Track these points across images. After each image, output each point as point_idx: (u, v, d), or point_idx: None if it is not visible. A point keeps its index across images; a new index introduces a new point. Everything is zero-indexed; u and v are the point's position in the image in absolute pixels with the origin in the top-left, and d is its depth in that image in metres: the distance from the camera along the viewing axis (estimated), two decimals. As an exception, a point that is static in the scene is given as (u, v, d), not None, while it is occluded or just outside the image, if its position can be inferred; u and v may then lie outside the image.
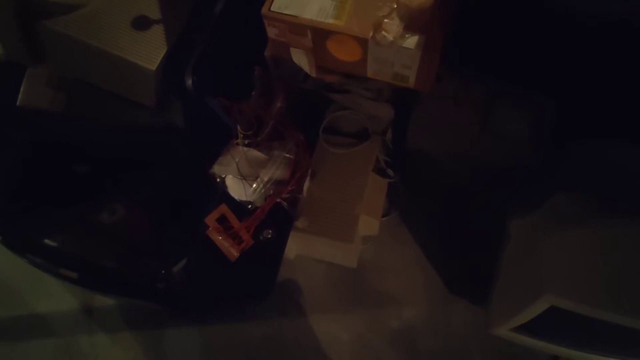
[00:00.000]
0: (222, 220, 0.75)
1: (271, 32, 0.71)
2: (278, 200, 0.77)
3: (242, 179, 0.76)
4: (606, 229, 0.64)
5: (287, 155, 0.78)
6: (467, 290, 0.93)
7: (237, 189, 0.77)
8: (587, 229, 0.65)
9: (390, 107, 0.82)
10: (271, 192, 0.77)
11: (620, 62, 0.70)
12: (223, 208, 0.75)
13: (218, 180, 0.79)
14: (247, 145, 0.78)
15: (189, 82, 0.78)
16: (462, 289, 0.94)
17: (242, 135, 0.78)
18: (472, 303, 0.90)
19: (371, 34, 0.64)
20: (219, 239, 0.74)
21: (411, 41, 0.64)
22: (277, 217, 0.79)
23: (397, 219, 0.99)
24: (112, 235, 0.79)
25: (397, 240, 0.98)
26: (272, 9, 0.68)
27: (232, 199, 0.78)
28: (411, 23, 0.65)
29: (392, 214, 0.99)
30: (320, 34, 0.68)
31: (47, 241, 0.79)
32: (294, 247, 0.85)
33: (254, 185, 0.75)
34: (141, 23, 0.80)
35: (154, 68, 0.77)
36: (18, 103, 0.81)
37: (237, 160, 0.77)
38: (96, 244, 0.78)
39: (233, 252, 0.74)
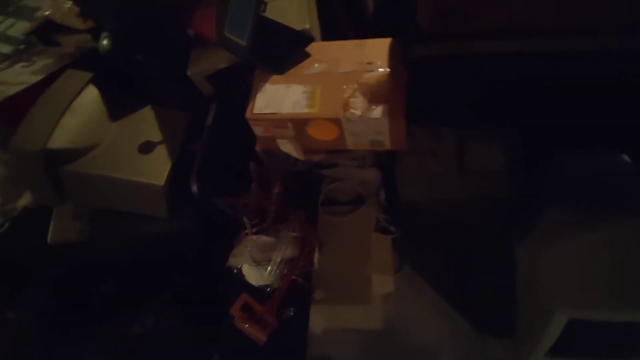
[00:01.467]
0: (245, 308, 0.80)
1: (257, 130, 0.82)
2: (293, 277, 0.82)
3: (256, 265, 0.82)
4: (598, 232, 0.68)
5: (293, 234, 0.85)
6: (495, 324, 0.93)
7: (253, 275, 0.82)
8: (580, 236, 0.69)
9: (376, 171, 0.90)
10: (285, 271, 0.82)
11: (573, 92, 0.79)
12: (244, 297, 0.79)
13: (235, 271, 0.84)
14: (256, 233, 0.85)
15: (194, 188, 0.87)
16: (490, 325, 0.94)
17: (249, 225, 0.85)
18: (502, 336, 0.90)
19: (342, 113, 0.74)
20: (245, 327, 0.78)
21: (377, 112, 0.74)
22: (296, 294, 0.83)
23: (410, 272, 1.02)
24: (145, 345, 0.83)
25: (415, 292, 1.00)
26: (254, 111, 0.79)
27: (251, 285, 0.83)
28: (374, 97, 0.75)
29: (403, 268, 1.03)
30: (300, 123, 0.78)
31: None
32: (318, 320, 0.88)
33: (269, 268, 0.81)
34: (146, 147, 0.91)
35: (162, 183, 0.86)
36: (49, 241, 0.90)
37: (249, 249, 0.83)
38: (131, 356, 0.81)
39: (261, 337, 0.77)
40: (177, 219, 0.93)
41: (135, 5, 0.92)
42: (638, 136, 0.84)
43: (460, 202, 0.89)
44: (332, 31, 1.00)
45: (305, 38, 0.87)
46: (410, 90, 0.80)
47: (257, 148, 0.88)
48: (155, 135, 0.92)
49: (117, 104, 0.93)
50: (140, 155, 0.89)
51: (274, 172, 0.88)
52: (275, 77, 0.82)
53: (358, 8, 1.09)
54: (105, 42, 0.92)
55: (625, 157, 0.85)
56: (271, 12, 0.91)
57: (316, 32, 0.96)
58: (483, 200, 0.86)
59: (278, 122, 0.79)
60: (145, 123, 0.93)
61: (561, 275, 0.65)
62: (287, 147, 0.84)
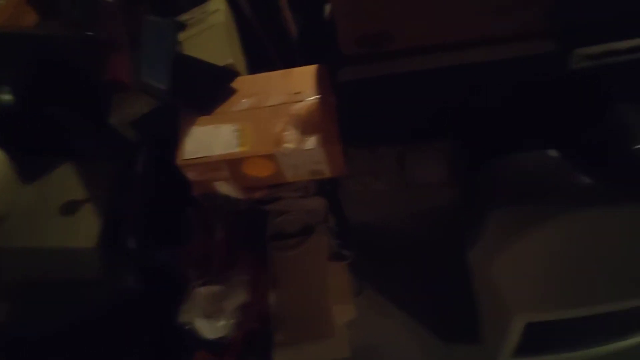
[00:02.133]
0: (203, 366, 0.74)
1: (191, 175, 0.77)
2: (250, 324, 0.78)
3: (208, 318, 0.77)
4: (541, 229, 0.70)
5: (243, 277, 0.81)
6: (461, 333, 0.94)
7: (207, 328, 0.77)
8: (525, 237, 0.71)
9: (320, 198, 0.88)
10: (240, 319, 0.78)
11: (497, 99, 0.82)
12: (200, 356, 0.74)
13: (187, 327, 0.79)
14: (204, 284, 0.80)
15: (132, 244, 0.81)
16: (456, 334, 0.95)
17: (196, 276, 0.80)
18: (469, 344, 0.91)
19: (275, 149, 0.72)
20: (206, 385, 0.72)
21: (311, 142, 0.72)
22: (255, 340, 0.79)
23: (371, 293, 1.01)
24: None
25: (379, 313, 0.99)
26: (184, 157, 0.75)
27: (207, 340, 0.78)
28: (306, 128, 0.73)
29: (363, 290, 1.02)
30: (234, 163, 0.75)
31: None
32: (284, 362, 0.84)
33: (222, 320, 0.76)
34: (70, 207, 0.84)
35: (93, 245, 0.79)
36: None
37: (198, 302, 0.78)
38: None
39: (224, 395, 0.72)
40: (118, 280, 0.85)
41: (36, 52, 0.85)
42: (560, 132, 0.89)
43: (408, 217, 0.89)
44: (260, 62, 0.98)
45: (229, 73, 0.84)
46: (342, 114, 0.80)
47: (194, 192, 0.84)
48: (78, 192, 0.85)
49: (29, 165, 0.84)
50: (63, 218, 0.82)
51: (215, 216, 0.84)
52: (202, 118, 0.78)
53: (282, 36, 1.08)
54: (6, 96, 0.83)
55: (553, 152, 0.90)
56: (191, 49, 0.88)
57: (241, 65, 0.93)
58: (429, 212, 0.87)
59: (211, 165, 0.75)
60: (66, 181, 0.86)
61: (513, 279, 0.66)
62: (225, 188, 0.80)
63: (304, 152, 0.72)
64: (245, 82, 0.83)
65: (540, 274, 0.65)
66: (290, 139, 0.72)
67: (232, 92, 0.81)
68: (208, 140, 0.75)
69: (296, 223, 0.91)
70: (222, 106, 0.79)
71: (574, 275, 0.64)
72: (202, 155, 0.74)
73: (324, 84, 0.80)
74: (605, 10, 0.72)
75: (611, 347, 0.78)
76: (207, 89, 0.80)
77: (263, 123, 0.75)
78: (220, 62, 0.85)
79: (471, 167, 0.91)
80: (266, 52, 1.07)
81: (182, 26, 0.87)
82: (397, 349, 0.97)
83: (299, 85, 0.80)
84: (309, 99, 0.76)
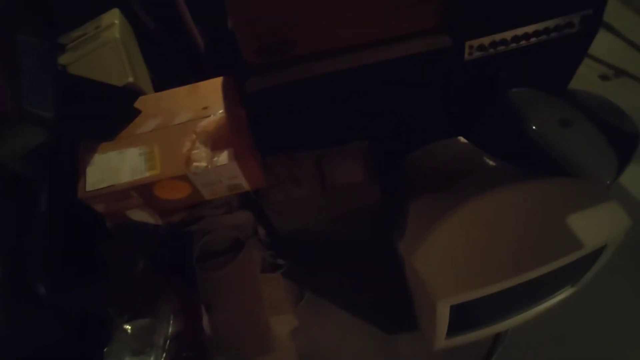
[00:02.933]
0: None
1: (99, 207, 0.72)
2: (184, 355, 0.74)
3: (139, 355, 0.72)
4: (456, 213, 0.74)
5: (172, 306, 0.77)
6: (404, 325, 0.97)
7: (138, 367, 0.72)
8: (438, 223, 0.74)
9: (245, 212, 0.86)
10: (174, 350, 0.74)
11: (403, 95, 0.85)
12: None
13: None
14: (129, 319, 0.75)
15: (41, 290, 0.74)
16: (399, 326, 0.98)
17: (119, 313, 0.75)
18: (411, 332, 0.94)
19: (187, 169, 0.69)
20: None
21: (223, 158, 0.70)
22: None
23: (312, 297, 1.01)
24: None
25: (323, 317, 0.99)
26: (88, 189, 0.69)
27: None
28: (216, 144, 0.71)
29: (305, 296, 1.01)
30: (145, 189, 0.71)
31: None
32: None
33: (153, 355, 0.72)
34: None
35: (-7, 299, 0.71)
36: None
37: (125, 339, 0.73)
38: None
39: None
40: (30, 333, 0.77)
41: None
42: (463, 120, 0.95)
43: (334, 219, 0.90)
44: (169, 78, 0.94)
45: (130, 93, 0.79)
46: (255, 124, 0.78)
47: (108, 224, 0.78)
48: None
49: None
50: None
51: (134, 246, 0.78)
52: (104, 144, 0.73)
53: (190, 49, 1.05)
54: None
55: (461, 139, 0.95)
56: (85, 70, 0.81)
57: (146, 83, 0.88)
58: (353, 211, 0.88)
59: (119, 194, 0.70)
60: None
61: (432, 265, 0.69)
62: (140, 215, 0.75)
63: (217, 168, 0.70)
64: (149, 102, 0.79)
65: (455, 256, 0.69)
66: (201, 157, 0.69)
67: (136, 113, 0.77)
68: (113, 167, 0.71)
69: (224, 240, 0.88)
70: (127, 129, 0.75)
71: (487, 253, 0.68)
72: (107, 185, 0.69)
73: (232, 96, 0.78)
74: (491, 5, 0.78)
75: (533, 311, 0.84)
76: (106, 113, 0.75)
77: (171, 143, 0.72)
78: (119, 81, 0.80)
79: (388, 163, 0.94)
80: (174, 66, 1.03)
81: (61, 47, 0.81)
82: (344, 350, 0.98)
83: (207, 100, 0.77)
84: (217, 113, 0.74)
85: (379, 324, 0.99)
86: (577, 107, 0.92)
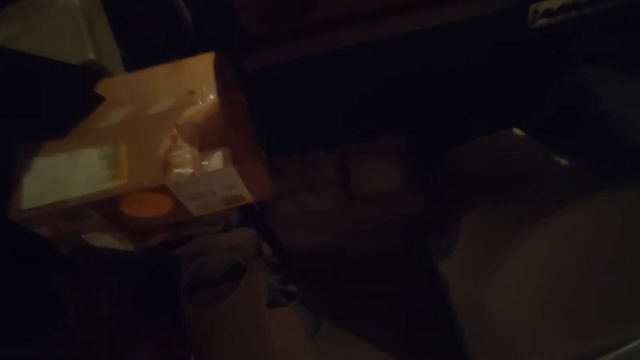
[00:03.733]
0: None
1: (42, 231, 0.52)
2: None
3: None
4: (537, 237, 0.55)
5: (149, 353, 0.57)
6: (439, 353, 0.78)
7: None
8: (512, 252, 0.55)
9: (247, 229, 0.67)
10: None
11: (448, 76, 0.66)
12: None
13: None
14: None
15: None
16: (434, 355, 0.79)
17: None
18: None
19: (165, 177, 0.49)
20: None
21: (216, 161, 0.51)
22: None
23: (329, 329, 0.83)
24: None
25: (341, 350, 0.81)
26: (24, 207, 0.49)
27: None
28: (205, 141, 0.51)
29: (320, 327, 0.82)
30: (107, 205, 0.51)
31: None
32: None
33: None
34: None
35: None
36: None
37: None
38: None
39: None
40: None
41: None
42: (519, 108, 0.75)
43: (359, 234, 0.71)
44: (148, 59, 0.74)
45: (91, 74, 0.59)
46: (258, 114, 0.58)
47: (62, 250, 0.58)
48: None
49: None
50: None
51: (98, 278, 0.59)
52: (50, 144, 0.53)
53: (174, 24, 0.84)
54: None
55: (517, 131, 0.76)
56: (32, 44, 0.61)
57: (114, 63, 0.68)
58: (387, 225, 0.69)
59: (71, 213, 0.50)
60: None
61: (512, 310, 0.50)
62: (103, 240, 0.56)
63: (208, 175, 0.50)
64: (116, 85, 0.59)
65: (542, 300, 0.50)
66: (185, 160, 0.50)
67: (97, 100, 0.57)
68: (61, 176, 0.51)
69: (220, 265, 0.68)
70: (82, 123, 0.55)
71: (581, 299, 0.49)
72: (52, 201, 0.49)
73: (227, 77, 0.58)
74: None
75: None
76: (54, 100, 0.55)
77: (144, 141, 0.52)
78: (76, 58, 0.60)
79: (424, 165, 0.75)
80: (152, 43, 0.82)
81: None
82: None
83: (193, 82, 0.57)
84: (207, 99, 0.55)
85: (410, 354, 0.81)
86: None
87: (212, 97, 0.55)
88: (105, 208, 0.51)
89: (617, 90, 0.72)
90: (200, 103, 0.54)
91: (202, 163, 0.50)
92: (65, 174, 0.51)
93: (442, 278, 0.71)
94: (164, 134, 0.52)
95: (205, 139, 0.51)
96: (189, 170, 0.49)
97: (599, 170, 0.65)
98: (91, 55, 0.61)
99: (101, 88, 0.58)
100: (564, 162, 0.69)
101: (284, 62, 0.57)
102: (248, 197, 0.57)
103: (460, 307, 0.68)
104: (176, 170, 0.49)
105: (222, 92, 0.55)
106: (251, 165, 0.52)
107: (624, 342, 0.50)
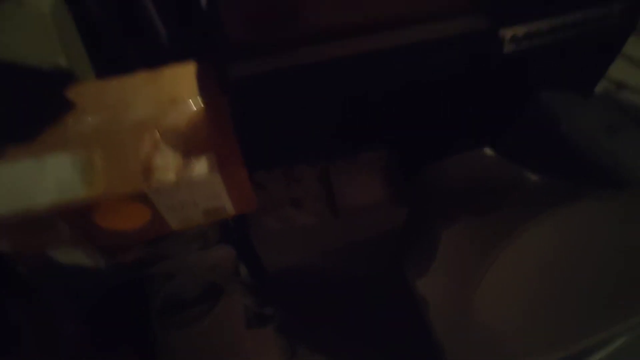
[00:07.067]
0: None
1: (1, 245, 0.47)
2: None
3: None
4: (511, 252, 0.56)
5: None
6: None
7: None
8: (497, 264, 0.56)
9: (226, 247, 0.63)
10: None
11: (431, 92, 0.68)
12: None
13: None
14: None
15: None
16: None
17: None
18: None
19: (145, 183, 0.46)
20: None
21: (201, 167, 0.48)
22: None
23: (305, 354, 0.78)
24: None
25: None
26: (-19, 217, 0.44)
27: None
28: (190, 146, 0.49)
29: (296, 353, 0.78)
30: (77, 215, 0.47)
31: None
32: None
33: None
34: None
35: None
36: None
37: None
38: None
39: None
40: None
41: None
42: (491, 127, 0.79)
43: (342, 252, 0.69)
44: (114, 68, 0.71)
45: (60, 78, 0.56)
46: (239, 125, 0.57)
47: (21, 269, 0.52)
48: None
49: None
50: None
51: (61, 299, 0.53)
52: (15, 149, 0.49)
53: (145, 25, 0.82)
54: None
55: (488, 151, 0.79)
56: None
57: (83, 66, 0.65)
58: (370, 241, 0.68)
59: (36, 224, 0.46)
60: None
61: (502, 318, 0.50)
62: (71, 256, 0.51)
63: (191, 182, 0.48)
64: (91, 91, 0.56)
65: (529, 302, 0.50)
66: (166, 167, 0.47)
67: (67, 105, 0.53)
68: (26, 183, 0.46)
69: (195, 286, 0.64)
70: (53, 128, 0.51)
71: (567, 303, 0.50)
72: (13, 210, 0.45)
73: (209, 85, 0.57)
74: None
75: None
76: (21, 104, 0.51)
77: (123, 146, 0.49)
78: (45, 62, 0.56)
79: (406, 179, 0.76)
80: (124, 59, 0.80)
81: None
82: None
83: (174, 90, 0.55)
84: (191, 104, 0.53)
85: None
86: (620, 112, 0.79)
87: (195, 104, 0.53)
88: (76, 218, 0.47)
89: (580, 115, 0.77)
90: (184, 110, 0.52)
91: (186, 169, 0.47)
92: (31, 180, 0.46)
93: (419, 298, 0.70)
94: (145, 139, 0.49)
95: (189, 145, 0.49)
96: (172, 176, 0.46)
97: (565, 184, 0.69)
98: (62, 60, 0.58)
99: (74, 94, 0.55)
100: (534, 177, 0.72)
101: (266, 72, 0.57)
102: (230, 209, 0.54)
103: (441, 324, 0.67)
104: (158, 176, 0.46)
105: (206, 99, 0.54)
106: (236, 172, 0.50)
107: (607, 342, 0.51)
